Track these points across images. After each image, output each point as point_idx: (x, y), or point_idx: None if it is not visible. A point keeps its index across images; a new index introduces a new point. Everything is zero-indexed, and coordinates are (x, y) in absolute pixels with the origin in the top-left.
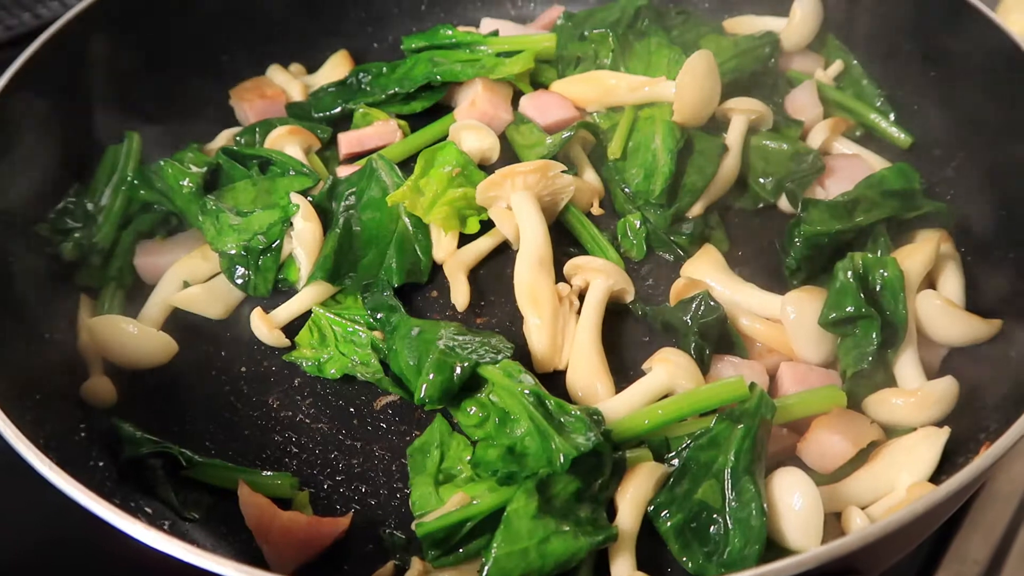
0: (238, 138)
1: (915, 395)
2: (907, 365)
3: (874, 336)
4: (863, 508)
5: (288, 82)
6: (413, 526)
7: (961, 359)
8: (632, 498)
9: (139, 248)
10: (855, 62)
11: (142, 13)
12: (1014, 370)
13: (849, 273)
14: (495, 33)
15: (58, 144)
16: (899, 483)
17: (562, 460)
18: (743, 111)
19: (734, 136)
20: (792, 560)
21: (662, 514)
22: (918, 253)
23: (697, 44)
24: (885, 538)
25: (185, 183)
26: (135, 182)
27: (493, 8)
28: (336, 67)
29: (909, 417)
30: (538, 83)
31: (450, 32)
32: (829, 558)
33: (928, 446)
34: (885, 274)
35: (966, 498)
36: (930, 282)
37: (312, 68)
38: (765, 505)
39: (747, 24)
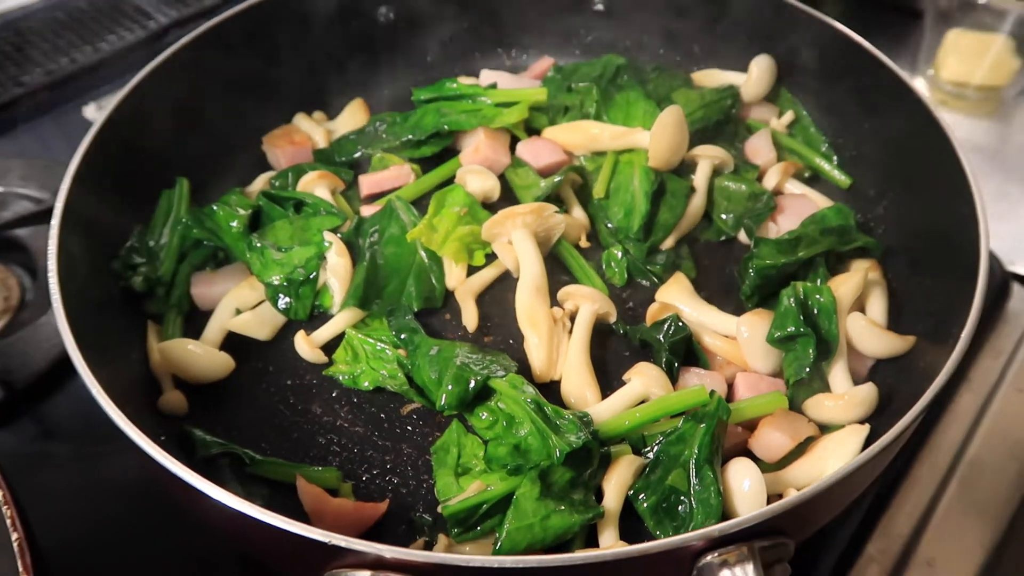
0: (273, 181)
1: (843, 398)
2: (838, 374)
3: (811, 351)
4: (799, 490)
5: (313, 128)
6: (439, 509)
7: (884, 368)
8: (615, 484)
9: (194, 279)
10: (804, 112)
11: (183, 80)
12: (921, 376)
13: (792, 299)
14: (494, 85)
15: (125, 192)
16: (828, 469)
17: (558, 454)
18: (708, 156)
19: (700, 178)
20: (732, 521)
21: (640, 497)
22: (850, 281)
23: (670, 96)
24: (803, 505)
25: (234, 224)
26: (188, 222)
27: (490, 60)
28: (354, 114)
29: (838, 416)
30: (532, 128)
31: (454, 85)
32: (759, 519)
33: (853, 440)
34: (821, 299)
35: (872, 478)
36: (860, 304)
37: (331, 115)
38: (721, 488)
39: (712, 77)
